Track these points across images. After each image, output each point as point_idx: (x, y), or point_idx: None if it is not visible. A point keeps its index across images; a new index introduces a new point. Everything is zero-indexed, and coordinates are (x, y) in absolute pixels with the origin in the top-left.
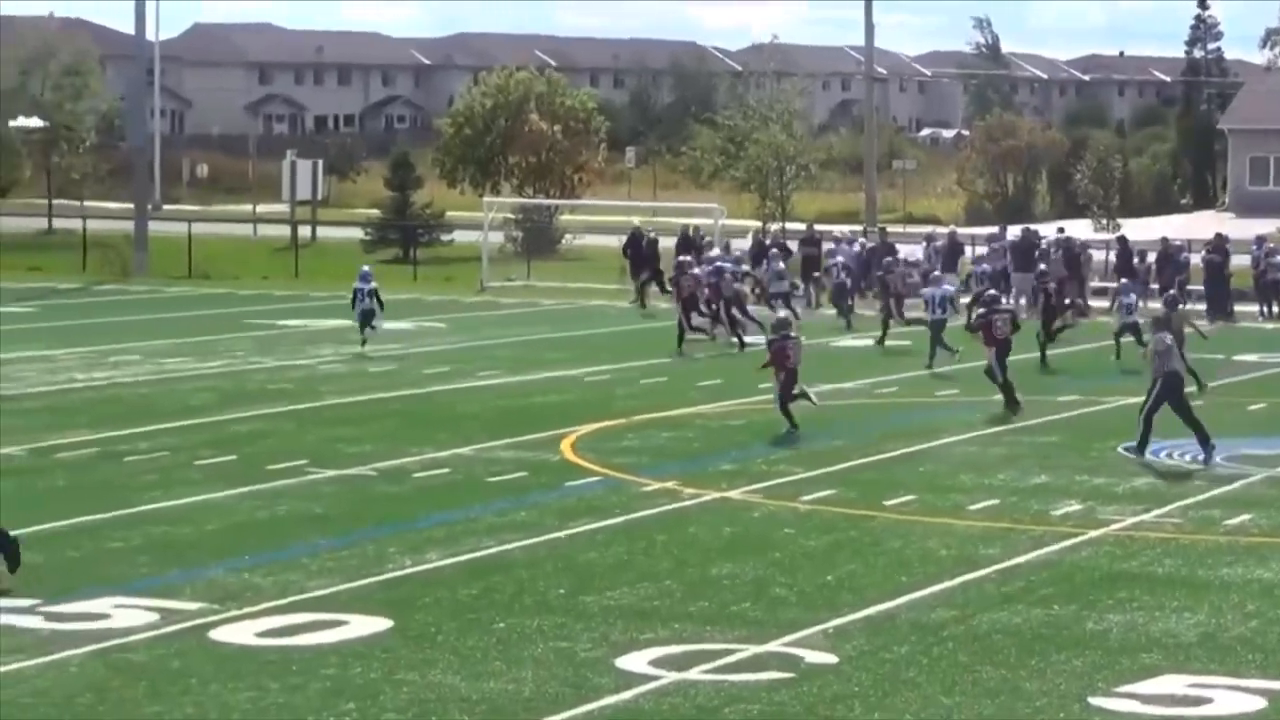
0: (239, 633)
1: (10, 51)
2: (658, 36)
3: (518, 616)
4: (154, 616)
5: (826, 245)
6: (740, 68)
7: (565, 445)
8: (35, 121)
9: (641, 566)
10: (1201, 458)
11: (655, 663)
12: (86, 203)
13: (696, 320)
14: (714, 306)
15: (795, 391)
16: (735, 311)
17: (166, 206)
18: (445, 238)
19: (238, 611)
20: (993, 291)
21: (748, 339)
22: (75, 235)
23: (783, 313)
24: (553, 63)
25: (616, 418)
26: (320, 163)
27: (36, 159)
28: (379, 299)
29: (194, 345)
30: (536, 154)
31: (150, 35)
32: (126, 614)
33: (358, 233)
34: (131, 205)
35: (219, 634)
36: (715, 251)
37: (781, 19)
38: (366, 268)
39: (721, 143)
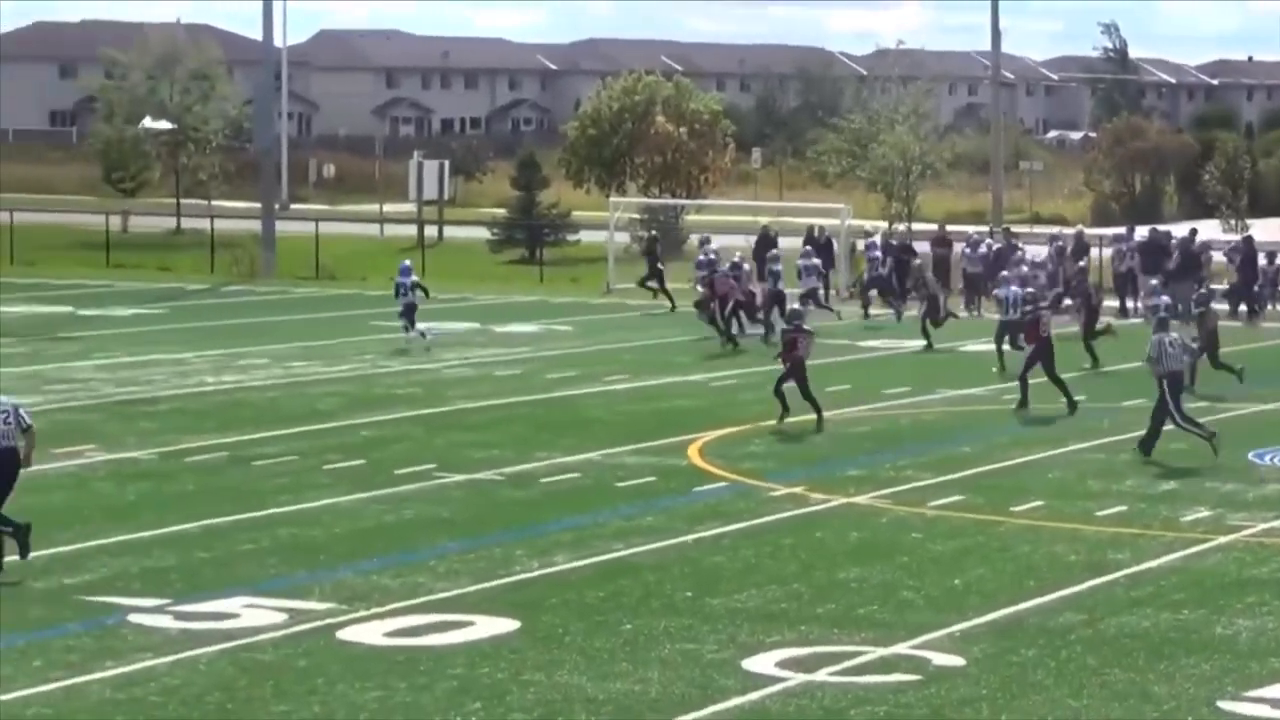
0: (367, 633)
1: (139, 57)
2: (784, 42)
3: (644, 618)
4: (282, 617)
5: (861, 242)
6: (866, 73)
7: (693, 450)
8: (164, 124)
9: (768, 570)
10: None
11: (782, 664)
12: (214, 202)
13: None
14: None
15: (807, 392)
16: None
17: (294, 206)
18: (571, 238)
19: (365, 612)
20: (1031, 290)
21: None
22: (203, 235)
23: (797, 305)
24: (679, 68)
25: (743, 423)
26: (446, 163)
27: (165, 160)
28: (423, 289)
29: (321, 349)
30: (662, 155)
31: (278, 40)
32: (255, 614)
33: (484, 232)
34: (258, 204)
35: (347, 634)
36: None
37: (909, 25)
38: (407, 262)
39: (846, 145)
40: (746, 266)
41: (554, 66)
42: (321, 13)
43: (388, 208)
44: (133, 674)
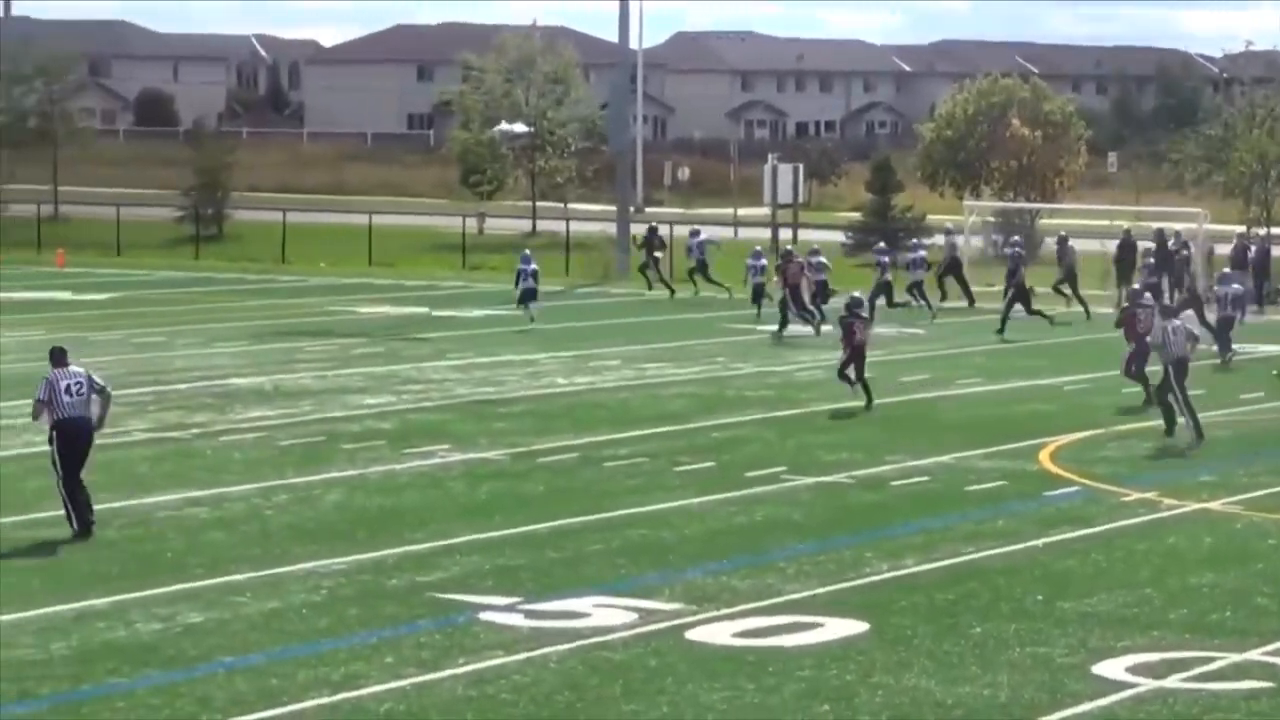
0: (716, 633)
1: (496, 60)
2: (1142, 44)
3: (994, 622)
4: (632, 616)
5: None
6: (1222, 74)
7: (1044, 455)
8: (520, 127)
9: (1120, 575)
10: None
11: (1133, 670)
12: (570, 205)
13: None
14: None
15: (862, 375)
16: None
17: (648, 209)
18: (927, 241)
19: (715, 613)
20: (1135, 286)
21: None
22: (558, 237)
23: (856, 293)
24: (1034, 69)
25: (1097, 427)
26: (801, 167)
27: (522, 163)
28: (537, 279)
29: (673, 350)
30: (1018, 158)
31: (633, 43)
32: (606, 613)
33: (839, 236)
34: (613, 207)
35: (696, 634)
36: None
37: (1267, 25)
38: (527, 251)
39: (1205, 152)
40: (821, 259)
41: (909, 69)
42: (677, 15)
43: (742, 211)
44: (484, 671)
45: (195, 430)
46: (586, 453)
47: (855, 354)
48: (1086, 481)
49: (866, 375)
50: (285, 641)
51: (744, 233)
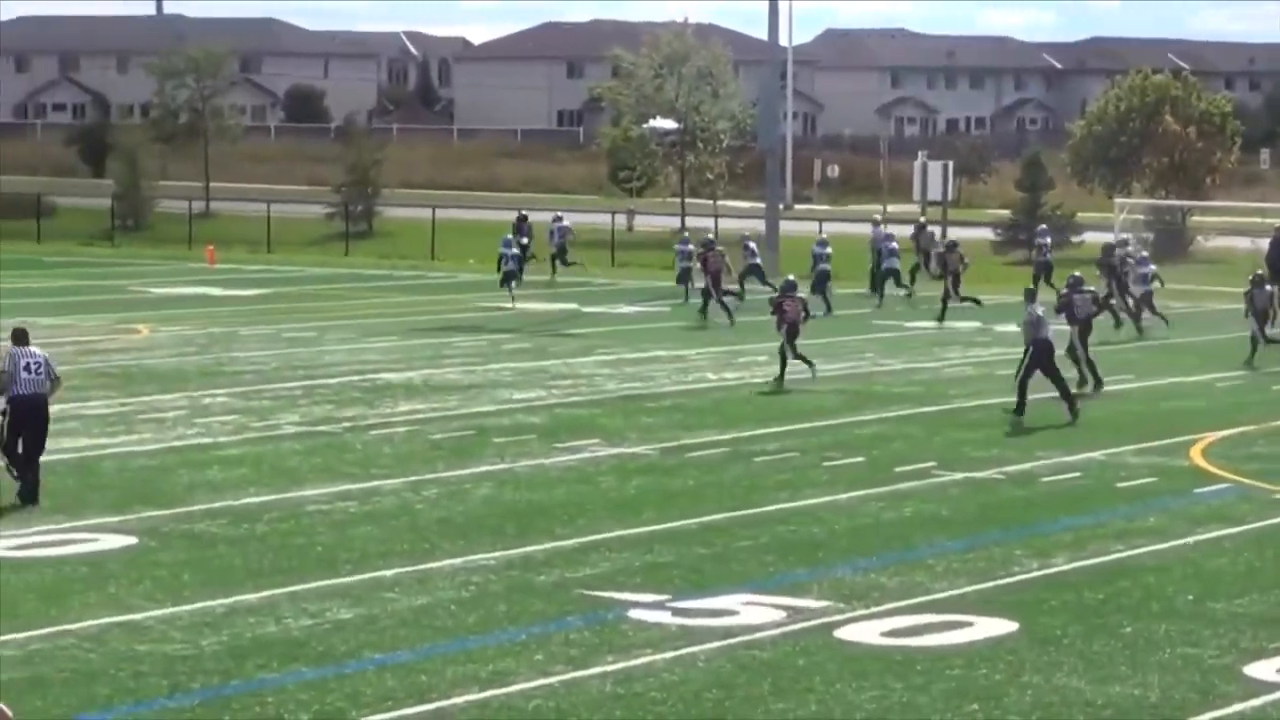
0: (864, 632)
1: (647, 56)
2: None
3: (1144, 621)
4: (781, 614)
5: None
6: None
7: (1195, 451)
8: (669, 124)
9: (1271, 574)
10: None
11: None
12: (719, 202)
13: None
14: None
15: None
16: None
17: (798, 206)
18: (1075, 239)
19: (864, 611)
20: (1077, 274)
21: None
22: (707, 234)
23: (790, 277)
24: (1186, 66)
25: (1249, 424)
26: (950, 164)
27: (672, 160)
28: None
29: (822, 347)
30: (1170, 155)
31: (783, 40)
32: (754, 611)
33: (988, 234)
34: (762, 204)
35: (844, 633)
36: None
37: None
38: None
39: None
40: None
41: (1060, 65)
42: (828, 12)
43: (891, 208)
44: (632, 669)
45: (345, 424)
46: (735, 447)
47: (790, 330)
48: (1238, 479)
49: (801, 350)
50: (434, 638)
51: (892, 230)
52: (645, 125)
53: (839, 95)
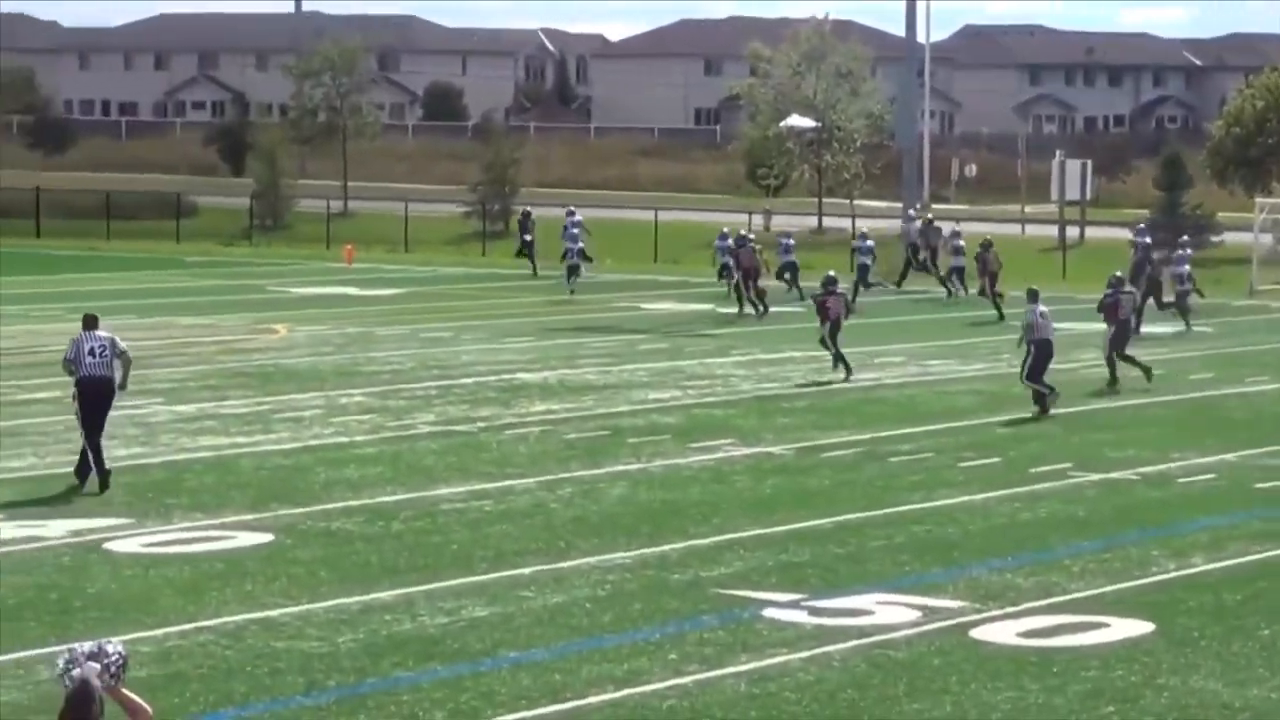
0: (1000, 632)
1: (785, 53)
2: None
3: None
4: (916, 614)
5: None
6: None
7: None
8: (807, 121)
9: None
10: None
11: None
12: (856, 201)
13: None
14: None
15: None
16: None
17: (935, 206)
18: (1214, 239)
19: (999, 611)
20: (1119, 274)
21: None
22: (845, 234)
23: (831, 273)
24: None
25: None
26: (1089, 163)
27: (808, 158)
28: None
29: (958, 348)
30: None
31: (921, 38)
32: (889, 611)
33: (1126, 234)
34: (899, 204)
35: (980, 633)
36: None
37: None
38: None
39: None
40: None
41: (1200, 63)
42: (965, 10)
43: (1030, 208)
44: (767, 669)
45: (481, 423)
46: (871, 448)
47: (833, 326)
48: None
49: (841, 348)
50: (569, 636)
51: (1030, 230)
52: (782, 123)
53: (977, 93)
